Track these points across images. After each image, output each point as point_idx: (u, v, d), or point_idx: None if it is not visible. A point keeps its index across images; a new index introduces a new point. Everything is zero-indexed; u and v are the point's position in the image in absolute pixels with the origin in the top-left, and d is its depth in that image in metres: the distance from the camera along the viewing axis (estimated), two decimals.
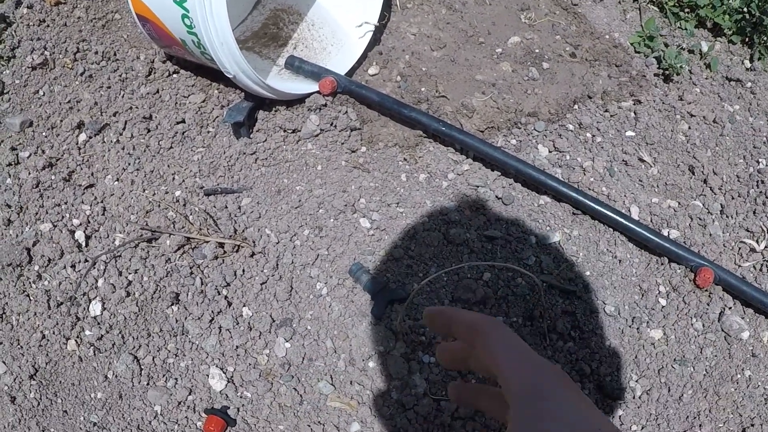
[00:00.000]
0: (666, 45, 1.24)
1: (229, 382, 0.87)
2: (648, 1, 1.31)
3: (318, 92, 1.07)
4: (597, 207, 1.00)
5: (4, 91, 1.11)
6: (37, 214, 1.00)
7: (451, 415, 0.85)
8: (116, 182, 1.03)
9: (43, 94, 1.12)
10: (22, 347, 0.89)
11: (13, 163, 1.04)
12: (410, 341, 0.89)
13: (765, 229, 1.04)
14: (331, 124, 1.04)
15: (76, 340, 0.90)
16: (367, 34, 1.16)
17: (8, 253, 0.95)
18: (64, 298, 0.92)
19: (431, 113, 1.08)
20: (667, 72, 1.19)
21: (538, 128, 1.11)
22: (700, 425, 0.90)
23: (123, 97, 1.11)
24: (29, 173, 1.03)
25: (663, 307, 0.97)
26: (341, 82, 1.05)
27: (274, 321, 0.91)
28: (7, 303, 0.93)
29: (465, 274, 0.95)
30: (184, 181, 1.02)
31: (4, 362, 0.88)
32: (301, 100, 1.07)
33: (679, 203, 1.06)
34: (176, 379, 0.87)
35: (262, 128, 1.06)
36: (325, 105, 1.06)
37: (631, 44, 1.24)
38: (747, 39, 1.27)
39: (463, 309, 0.65)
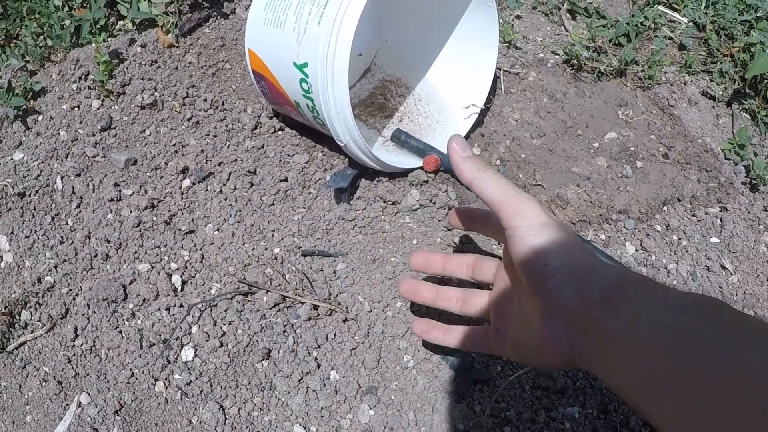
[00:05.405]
0: (755, 154, 1.31)
1: None
2: (741, 109, 1.39)
3: (421, 168, 1.14)
4: None
5: (112, 126, 1.21)
6: (136, 253, 1.08)
7: None
8: (216, 232, 1.11)
9: (150, 134, 1.21)
10: (108, 381, 0.97)
11: (115, 199, 1.13)
12: (491, 424, 0.95)
13: None
14: (431, 201, 1.13)
15: (164, 382, 0.97)
16: (473, 116, 1.25)
17: (104, 288, 1.03)
18: (157, 340, 1.00)
19: None
20: (754, 182, 1.27)
21: (627, 226, 1.18)
22: None
23: (228, 148, 1.20)
24: (131, 211, 1.11)
25: None
26: (444, 160, 1.13)
27: (360, 387, 0.98)
28: (98, 336, 1.00)
29: None
30: (283, 239, 1.11)
31: (89, 393, 0.96)
32: (403, 173, 1.15)
33: (755, 313, 1.12)
34: None
35: (362, 196, 1.15)
36: (427, 181, 1.14)
37: (722, 150, 1.31)
38: None
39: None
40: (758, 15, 1.51)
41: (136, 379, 0.97)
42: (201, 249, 1.10)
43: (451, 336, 0.90)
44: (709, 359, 0.49)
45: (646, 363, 0.54)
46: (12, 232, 1.08)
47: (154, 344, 1.00)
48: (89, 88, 1.25)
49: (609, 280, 0.62)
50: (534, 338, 0.68)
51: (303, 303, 1.03)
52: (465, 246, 1.11)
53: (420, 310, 1.05)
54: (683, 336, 0.52)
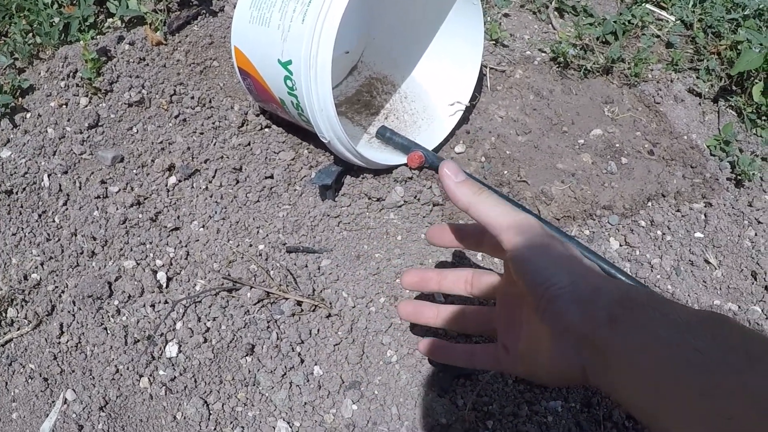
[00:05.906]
0: (741, 150, 1.32)
1: None
2: (727, 106, 1.39)
3: (405, 165, 1.14)
4: None
5: (99, 124, 1.21)
6: (121, 250, 1.08)
7: None
8: (202, 229, 1.11)
9: (137, 132, 1.21)
10: (94, 378, 0.97)
11: (101, 196, 1.13)
12: (473, 418, 0.95)
13: None
14: (415, 197, 1.13)
15: (149, 378, 0.97)
16: (458, 113, 1.26)
17: (90, 285, 1.03)
18: (142, 336, 1.00)
19: (512, 197, 1.16)
20: (739, 177, 1.27)
21: (611, 222, 1.19)
22: None
23: (215, 145, 1.21)
24: (117, 209, 1.11)
25: None
26: (429, 157, 1.14)
27: (343, 382, 0.98)
28: (83, 333, 1.00)
29: None
30: (268, 235, 1.11)
31: (74, 390, 0.96)
32: (388, 170, 1.16)
33: (740, 307, 1.12)
34: (243, 427, 0.95)
35: (347, 193, 1.15)
36: (411, 178, 1.14)
37: (708, 147, 1.31)
38: None
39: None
40: (746, 13, 1.52)
41: (121, 375, 0.97)
42: (186, 246, 1.10)
43: (459, 355, 0.89)
44: (716, 381, 0.49)
45: (654, 383, 0.54)
46: None
47: (138, 341, 1.00)
48: (77, 85, 1.25)
49: (615, 299, 0.61)
50: (544, 357, 0.67)
51: (287, 299, 1.03)
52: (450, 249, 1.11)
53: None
54: (689, 355, 0.52)
